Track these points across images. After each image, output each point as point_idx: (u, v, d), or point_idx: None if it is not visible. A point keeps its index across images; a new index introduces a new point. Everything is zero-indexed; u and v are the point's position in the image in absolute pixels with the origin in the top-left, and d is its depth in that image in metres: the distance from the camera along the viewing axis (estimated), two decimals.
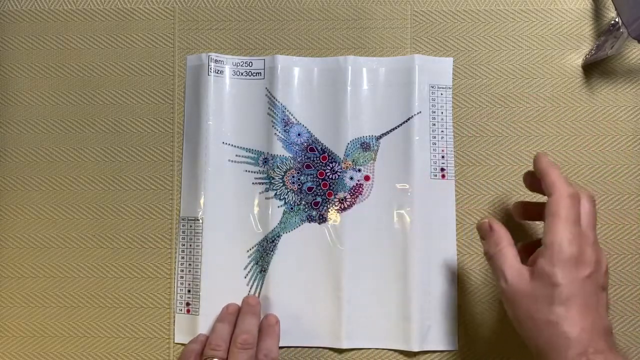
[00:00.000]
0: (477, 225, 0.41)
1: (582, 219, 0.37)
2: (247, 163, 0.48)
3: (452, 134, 0.48)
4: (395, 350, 0.46)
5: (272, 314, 0.46)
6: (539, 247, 0.37)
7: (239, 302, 0.46)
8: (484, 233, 0.40)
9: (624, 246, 0.47)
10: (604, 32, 0.47)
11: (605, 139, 0.48)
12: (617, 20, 0.45)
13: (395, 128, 0.48)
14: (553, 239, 0.36)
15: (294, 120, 0.48)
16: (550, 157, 0.40)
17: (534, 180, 0.41)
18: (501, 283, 0.37)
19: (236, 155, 0.48)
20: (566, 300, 0.35)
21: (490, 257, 0.39)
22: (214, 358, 0.41)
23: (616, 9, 0.45)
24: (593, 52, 0.47)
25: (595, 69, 0.49)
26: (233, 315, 0.45)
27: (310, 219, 0.48)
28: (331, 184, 0.48)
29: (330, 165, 0.48)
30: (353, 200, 0.47)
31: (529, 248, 0.40)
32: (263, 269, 0.47)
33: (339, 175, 0.48)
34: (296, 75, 0.49)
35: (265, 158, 0.48)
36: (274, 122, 0.48)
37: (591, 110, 0.48)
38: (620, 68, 0.48)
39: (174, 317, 0.47)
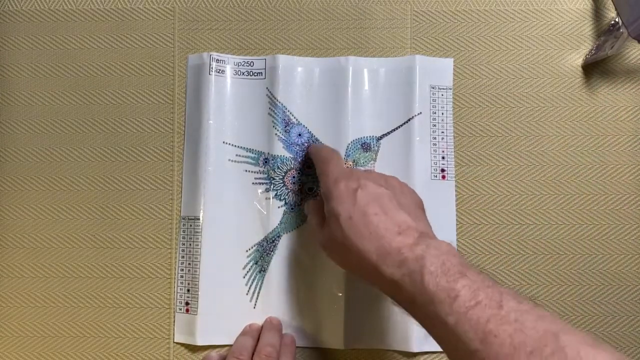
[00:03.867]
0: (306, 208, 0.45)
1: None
2: (248, 163, 0.48)
3: (453, 135, 0.48)
4: (395, 351, 0.46)
5: (289, 334, 0.46)
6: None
7: (237, 302, 0.47)
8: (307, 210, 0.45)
9: (624, 246, 0.47)
10: (604, 32, 0.47)
11: (605, 139, 0.48)
12: (617, 20, 0.45)
13: (396, 129, 0.48)
14: (322, 187, 0.39)
15: (294, 120, 0.48)
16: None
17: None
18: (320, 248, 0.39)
19: (236, 155, 0.48)
20: (350, 225, 0.35)
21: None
22: None
23: (616, 9, 0.45)
24: (593, 52, 0.47)
25: (595, 69, 0.49)
26: (256, 331, 0.45)
27: None
28: None
29: None
30: None
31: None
32: (262, 269, 0.47)
33: None
34: (297, 76, 0.49)
35: (266, 158, 0.48)
36: (275, 122, 0.48)
37: (591, 110, 0.48)
38: (620, 68, 0.49)
39: (174, 316, 0.47)
